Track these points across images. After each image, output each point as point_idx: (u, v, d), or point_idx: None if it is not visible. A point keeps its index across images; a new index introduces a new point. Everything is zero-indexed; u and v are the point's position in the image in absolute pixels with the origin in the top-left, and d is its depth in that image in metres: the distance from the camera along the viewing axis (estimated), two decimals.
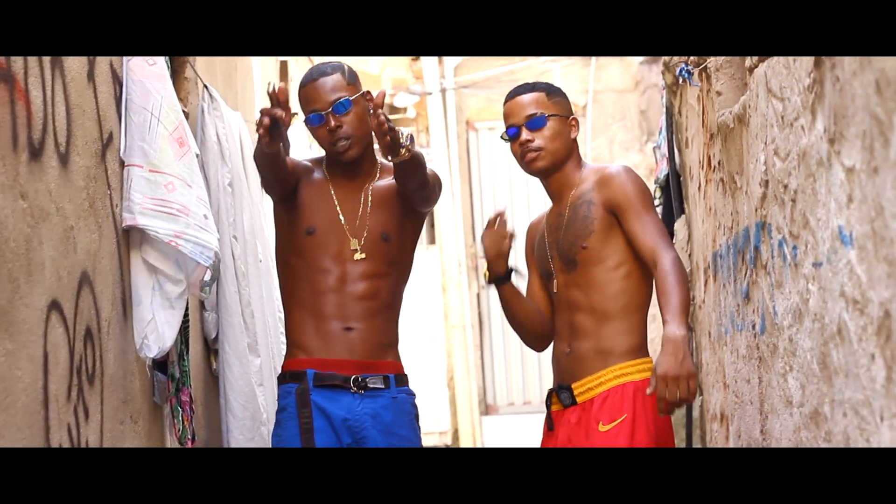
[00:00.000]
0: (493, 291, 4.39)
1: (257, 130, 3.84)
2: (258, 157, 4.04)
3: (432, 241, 14.31)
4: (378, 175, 4.32)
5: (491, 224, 4.21)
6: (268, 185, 4.23)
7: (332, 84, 4.19)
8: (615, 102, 13.55)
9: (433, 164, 13.63)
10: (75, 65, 3.64)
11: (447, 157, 13.55)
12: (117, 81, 4.06)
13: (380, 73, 13.98)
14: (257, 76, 7.38)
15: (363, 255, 4.20)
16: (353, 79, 4.25)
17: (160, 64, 4.13)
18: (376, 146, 4.10)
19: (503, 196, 13.29)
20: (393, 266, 4.29)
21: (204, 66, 5.59)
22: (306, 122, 4.21)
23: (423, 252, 14.09)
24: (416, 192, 4.20)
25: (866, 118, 2.52)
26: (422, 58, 13.66)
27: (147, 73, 4.08)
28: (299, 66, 9.68)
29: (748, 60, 3.87)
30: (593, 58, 13.40)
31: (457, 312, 13.55)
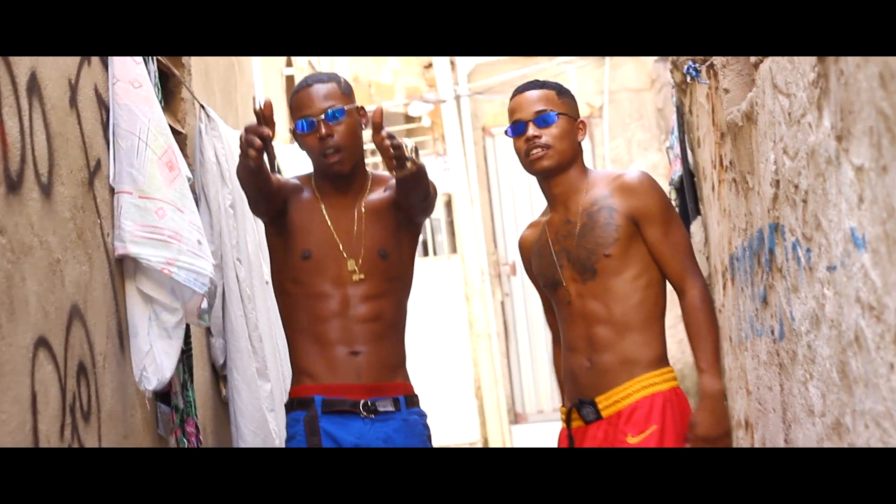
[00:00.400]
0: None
1: (247, 153, 3.69)
2: (241, 173, 3.87)
3: (454, 250, 14.19)
4: (369, 188, 4.17)
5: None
6: (254, 203, 4.06)
7: (327, 92, 4.04)
8: (631, 102, 13.41)
9: (450, 172, 13.52)
10: (55, 92, 3.52)
11: (464, 165, 13.43)
12: (103, 106, 3.95)
13: (393, 82, 13.88)
14: (259, 93, 7.25)
15: (362, 276, 4.05)
16: (348, 90, 4.11)
17: (146, 86, 4.01)
18: (377, 161, 3.97)
19: (523, 201, 13.16)
20: (393, 283, 4.14)
21: (201, 86, 5.48)
22: (295, 129, 4.04)
23: (444, 262, 13.97)
24: (418, 205, 4.06)
25: (872, 113, 2.38)
26: (434, 65, 13.55)
27: (133, 97, 3.95)
28: None
29: (753, 56, 3.73)
30: (607, 58, 13.27)
31: (481, 321, 13.41)
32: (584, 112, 13.58)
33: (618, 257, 3.88)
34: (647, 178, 3.93)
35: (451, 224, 14.41)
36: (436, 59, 13.51)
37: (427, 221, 14.81)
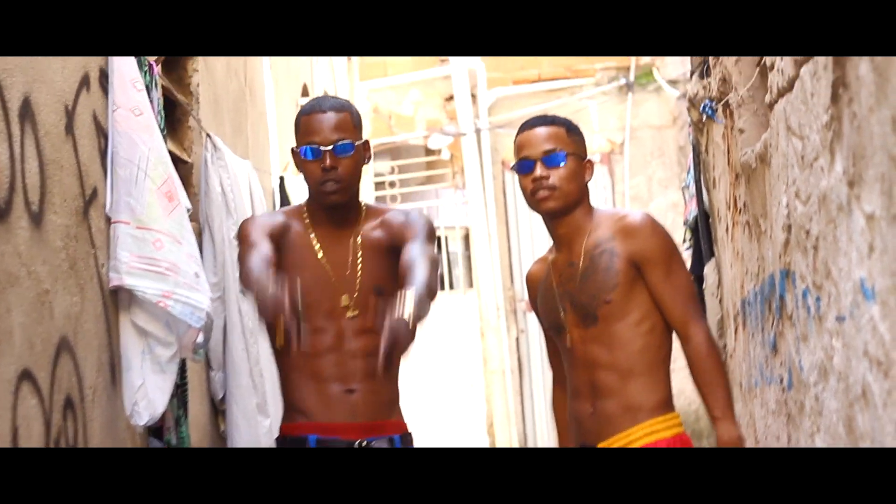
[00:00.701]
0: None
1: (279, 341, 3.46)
2: (255, 298, 3.56)
3: (470, 285, 14.09)
4: (364, 219, 4.04)
5: None
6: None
7: (339, 122, 3.89)
8: (653, 139, 13.32)
9: (469, 205, 13.43)
10: (50, 118, 3.44)
11: (483, 199, 13.35)
12: (102, 134, 3.86)
13: (413, 114, 13.82)
14: (272, 123, 7.18)
15: (356, 312, 3.93)
16: (359, 122, 3.99)
17: (147, 114, 3.92)
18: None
19: (540, 237, 13.06)
20: (384, 318, 4.02)
21: (210, 114, 5.40)
22: (298, 152, 3.90)
23: (460, 296, 13.88)
24: None
25: (884, 159, 2.28)
26: (455, 98, 13.48)
27: (133, 125, 3.87)
28: None
29: (768, 96, 3.64)
30: (630, 94, 13.19)
31: (496, 357, 13.31)
32: (604, 148, 13.51)
33: (619, 303, 3.78)
34: (649, 220, 3.83)
35: (468, 258, 14.33)
36: (457, 92, 13.44)
37: (445, 255, 14.76)
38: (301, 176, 4.05)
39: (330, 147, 3.83)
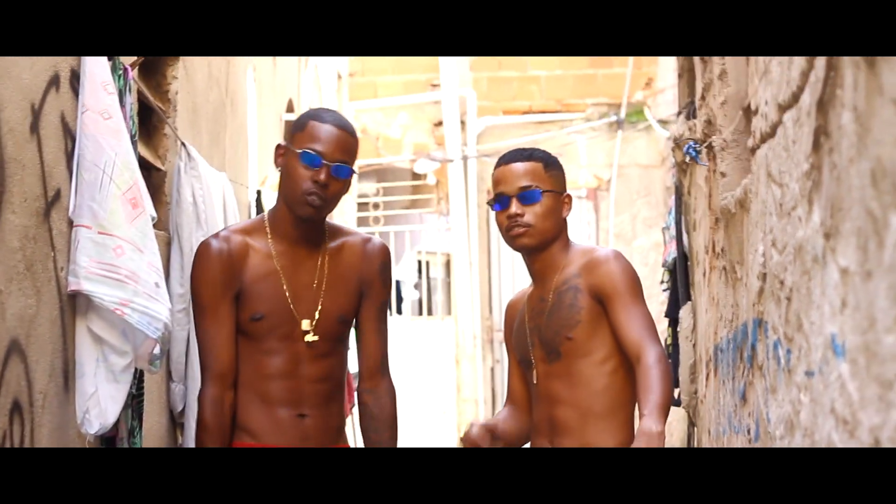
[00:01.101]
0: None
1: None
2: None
3: (448, 311, 14.01)
4: (327, 238, 3.95)
5: (478, 440, 3.83)
6: None
7: (348, 144, 3.80)
8: (640, 178, 13.29)
9: (452, 232, 13.36)
10: (14, 115, 3.34)
11: (466, 226, 13.29)
12: (69, 135, 3.77)
13: (401, 137, 13.77)
14: (253, 136, 7.09)
15: (315, 338, 3.85)
16: (356, 150, 3.92)
17: (117, 118, 3.83)
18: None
19: (522, 268, 12.99)
20: (340, 343, 3.95)
21: (187, 123, 5.32)
22: (298, 155, 3.75)
23: (438, 323, 13.80)
24: None
25: (861, 213, 2.20)
26: (445, 124, 13.42)
27: (101, 128, 3.78)
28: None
29: (751, 140, 3.57)
30: (619, 131, 13.14)
31: (469, 386, 13.24)
32: (591, 184, 13.46)
33: (582, 340, 3.72)
34: (616, 256, 3.78)
35: (448, 285, 14.26)
36: (446, 118, 13.39)
37: (425, 281, 14.66)
38: (276, 179, 3.95)
39: (332, 164, 3.75)
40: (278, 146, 3.86)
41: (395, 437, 3.95)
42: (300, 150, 3.76)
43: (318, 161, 3.74)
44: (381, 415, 3.94)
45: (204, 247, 3.84)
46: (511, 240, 3.87)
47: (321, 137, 3.77)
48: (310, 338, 3.81)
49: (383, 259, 3.98)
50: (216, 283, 3.76)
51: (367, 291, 3.95)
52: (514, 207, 3.82)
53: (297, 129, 3.83)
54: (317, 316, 3.83)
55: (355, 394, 4.07)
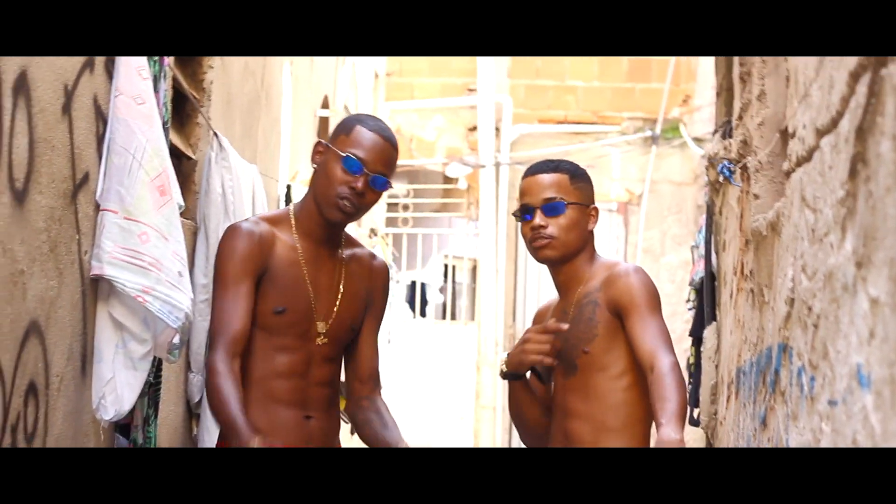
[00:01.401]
0: (527, 375, 4.02)
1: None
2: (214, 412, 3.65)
3: (472, 317, 13.99)
4: (344, 244, 3.91)
5: (548, 330, 3.82)
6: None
7: (391, 159, 3.75)
8: (672, 194, 13.24)
9: (480, 238, 13.33)
10: (46, 95, 3.33)
11: (495, 233, 13.26)
12: (101, 118, 3.75)
13: (435, 139, 13.75)
14: (286, 129, 7.08)
15: (326, 340, 3.81)
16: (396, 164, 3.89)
17: (150, 104, 3.81)
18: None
19: (548, 278, 12.95)
20: (342, 350, 3.93)
21: (221, 113, 5.30)
22: (341, 160, 3.68)
23: (461, 328, 13.77)
24: None
25: (895, 243, 2.16)
26: (479, 129, 13.40)
27: (134, 113, 3.76)
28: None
29: (787, 164, 3.53)
30: (654, 146, 13.10)
31: (489, 393, 13.20)
32: (622, 197, 13.42)
33: (598, 354, 3.69)
34: (636, 270, 3.75)
35: (473, 290, 14.23)
36: (481, 124, 13.37)
37: (450, 285, 14.64)
38: (311, 174, 3.89)
39: (372, 174, 3.71)
40: (318, 143, 3.81)
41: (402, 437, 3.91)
42: (343, 154, 3.70)
43: (360, 168, 3.69)
44: (386, 415, 3.89)
45: (233, 227, 3.79)
46: (534, 251, 3.85)
47: (366, 145, 3.72)
48: (321, 340, 3.78)
49: (386, 278, 4.00)
50: (244, 258, 3.68)
51: (369, 305, 3.94)
52: (538, 219, 3.81)
53: (342, 131, 3.78)
54: (332, 319, 3.80)
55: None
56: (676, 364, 3.55)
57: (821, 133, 3.01)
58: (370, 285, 3.91)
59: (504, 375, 3.92)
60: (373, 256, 3.98)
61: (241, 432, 3.43)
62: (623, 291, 3.68)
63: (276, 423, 3.71)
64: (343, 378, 3.99)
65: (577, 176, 3.89)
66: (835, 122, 2.78)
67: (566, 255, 3.81)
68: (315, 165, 3.80)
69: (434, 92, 13.80)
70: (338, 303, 3.81)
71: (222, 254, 3.73)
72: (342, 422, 4.17)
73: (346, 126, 3.79)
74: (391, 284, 4.07)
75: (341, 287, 3.82)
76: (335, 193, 3.70)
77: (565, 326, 3.77)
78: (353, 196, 3.70)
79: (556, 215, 3.80)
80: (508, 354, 3.91)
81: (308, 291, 3.77)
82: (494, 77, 13.45)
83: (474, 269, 14.20)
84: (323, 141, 3.80)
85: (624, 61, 13.72)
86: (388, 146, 3.76)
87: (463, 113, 13.75)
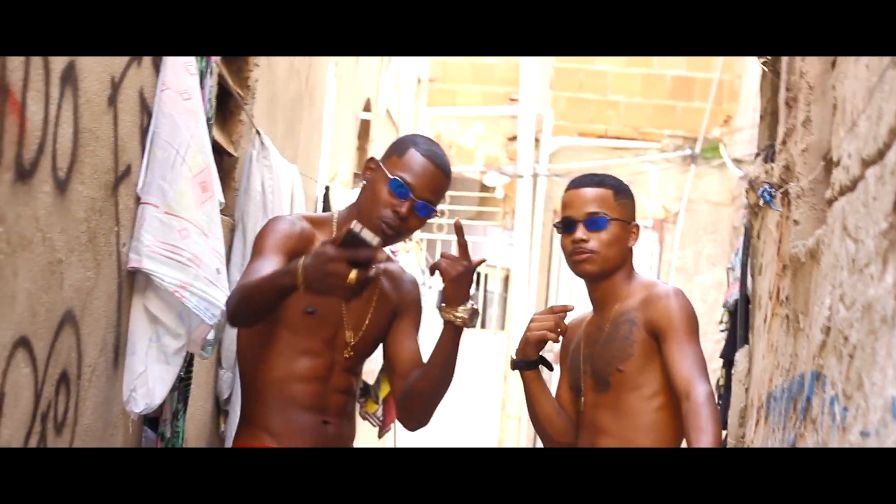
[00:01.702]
0: (554, 387, 4.02)
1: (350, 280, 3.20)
2: (266, 291, 3.39)
3: (502, 326, 13.98)
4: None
5: (553, 311, 3.85)
6: (241, 317, 3.55)
7: (441, 186, 3.70)
8: (709, 214, 13.20)
9: (514, 248, 13.32)
10: (93, 86, 3.34)
11: (529, 244, 13.24)
12: (146, 111, 3.77)
13: (474, 147, 13.75)
14: (328, 129, 7.09)
15: (351, 353, 3.78)
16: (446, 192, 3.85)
17: (196, 100, 3.83)
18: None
19: (580, 291, 12.92)
20: (364, 362, 3.90)
21: (264, 112, 5.32)
22: (388, 182, 3.63)
23: (490, 337, 13.76)
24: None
25: None
26: (519, 139, 13.39)
27: (179, 108, 3.77)
28: (380, 126, 9.40)
29: (829, 192, 3.51)
30: (693, 165, 13.06)
31: (515, 403, 13.19)
32: (658, 215, 13.39)
33: (632, 373, 3.68)
34: (676, 293, 3.74)
35: (504, 300, 14.22)
36: (521, 134, 13.36)
37: (482, 293, 14.63)
38: (360, 188, 3.85)
39: (418, 200, 3.66)
40: (371, 159, 3.76)
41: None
42: (392, 176, 3.65)
43: (406, 193, 3.64)
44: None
45: (275, 218, 3.76)
46: (574, 265, 3.84)
47: (416, 170, 3.67)
48: (347, 353, 3.74)
49: (418, 292, 3.95)
50: (282, 237, 3.59)
51: (402, 313, 3.86)
52: (580, 233, 3.80)
53: (395, 152, 3.72)
54: (362, 331, 3.76)
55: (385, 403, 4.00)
56: (712, 394, 3.54)
57: (866, 163, 2.99)
58: (399, 298, 3.86)
59: (514, 365, 3.93)
60: (403, 271, 3.95)
61: (286, 269, 3.30)
62: (662, 314, 3.67)
63: (294, 426, 3.67)
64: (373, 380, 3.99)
65: (621, 192, 3.88)
66: (881, 154, 2.77)
67: (605, 271, 3.80)
68: (364, 182, 3.78)
69: (476, 100, 13.80)
70: (369, 316, 3.78)
71: (262, 233, 3.67)
72: (370, 424, 4.17)
73: (400, 147, 3.74)
74: (423, 290, 4.03)
75: (374, 300, 3.79)
76: (378, 214, 3.65)
77: (572, 306, 3.80)
78: (396, 220, 3.65)
79: (598, 230, 3.79)
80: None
81: (341, 296, 3.73)
82: (537, 88, 13.43)
83: (506, 278, 14.19)
84: (375, 158, 3.76)
85: (667, 78, 13.68)
86: (439, 173, 3.70)
87: (503, 122, 13.75)
